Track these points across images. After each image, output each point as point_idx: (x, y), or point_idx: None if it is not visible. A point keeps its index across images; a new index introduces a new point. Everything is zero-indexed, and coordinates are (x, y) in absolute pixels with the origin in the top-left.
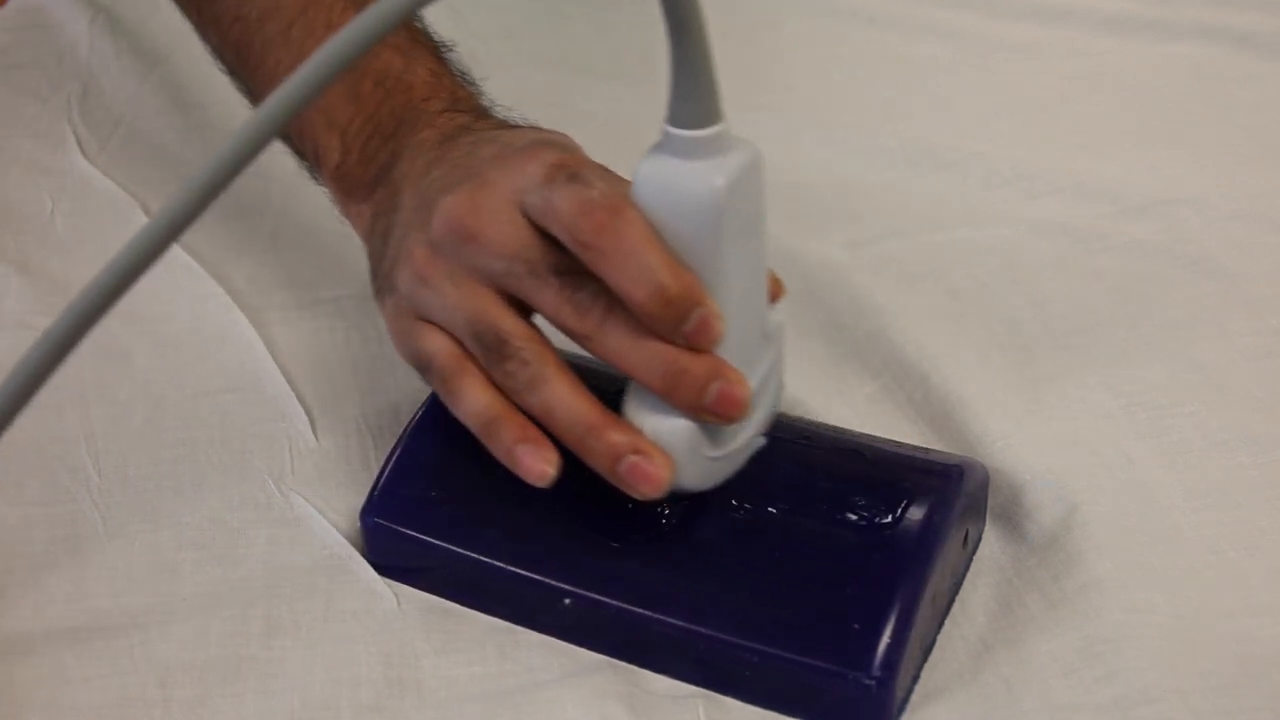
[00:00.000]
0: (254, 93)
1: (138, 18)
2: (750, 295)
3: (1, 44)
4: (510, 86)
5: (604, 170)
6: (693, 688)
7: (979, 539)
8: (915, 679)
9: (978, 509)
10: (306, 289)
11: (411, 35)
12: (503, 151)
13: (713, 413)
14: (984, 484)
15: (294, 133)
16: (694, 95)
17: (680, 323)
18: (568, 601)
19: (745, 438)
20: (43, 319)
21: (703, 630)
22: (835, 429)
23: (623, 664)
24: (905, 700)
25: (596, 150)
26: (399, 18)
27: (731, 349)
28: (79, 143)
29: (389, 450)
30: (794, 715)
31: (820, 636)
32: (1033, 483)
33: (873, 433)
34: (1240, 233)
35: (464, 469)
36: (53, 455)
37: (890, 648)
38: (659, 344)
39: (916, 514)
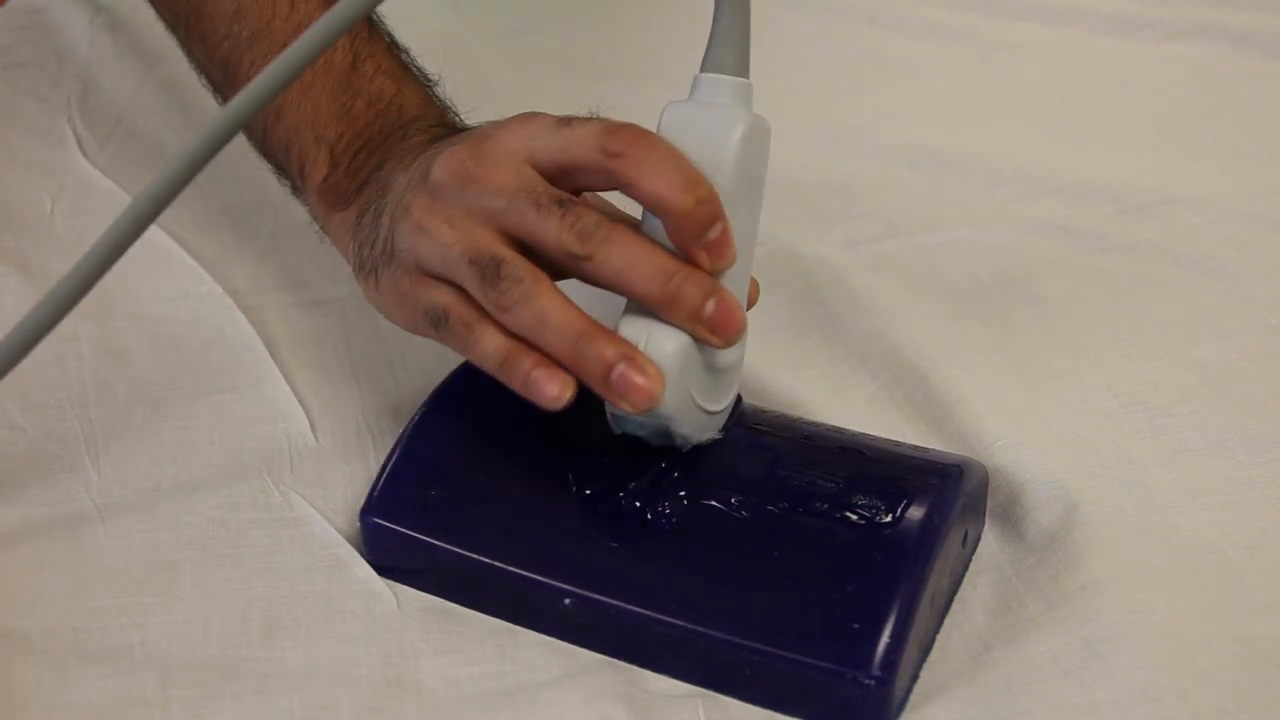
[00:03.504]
0: None
1: (138, 18)
2: (743, 269)
3: (1, 44)
4: (510, 86)
5: None
6: (693, 687)
7: (978, 538)
8: (914, 678)
9: (977, 508)
10: (306, 289)
11: (403, 66)
12: (499, 122)
13: (711, 327)
14: (983, 484)
15: (280, 150)
16: (732, 40)
17: (706, 228)
18: (568, 602)
19: (724, 402)
20: None
21: (703, 630)
22: (835, 429)
23: (623, 664)
24: (904, 699)
25: None
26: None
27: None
28: (79, 142)
29: (388, 450)
30: (793, 714)
31: (820, 636)
32: (1032, 482)
33: (873, 433)
34: (1240, 233)
35: (463, 469)
36: (52, 455)
37: (889, 647)
38: (662, 256)
39: (916, 513)
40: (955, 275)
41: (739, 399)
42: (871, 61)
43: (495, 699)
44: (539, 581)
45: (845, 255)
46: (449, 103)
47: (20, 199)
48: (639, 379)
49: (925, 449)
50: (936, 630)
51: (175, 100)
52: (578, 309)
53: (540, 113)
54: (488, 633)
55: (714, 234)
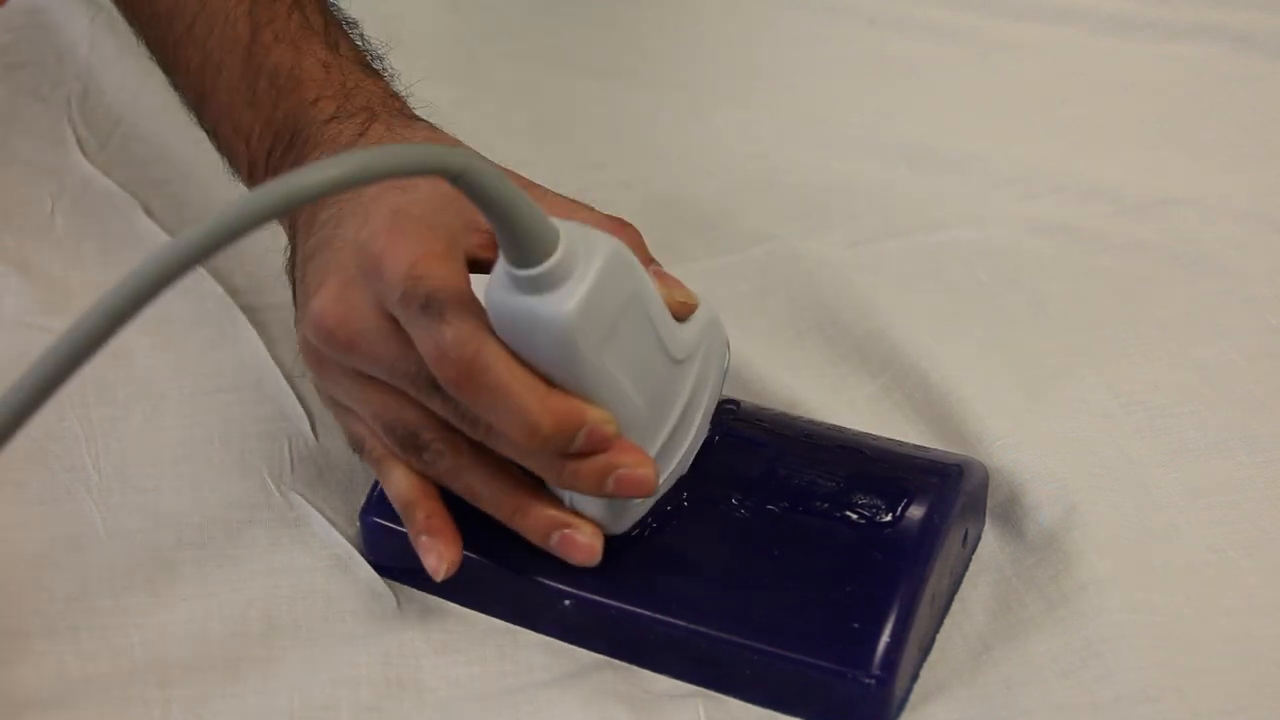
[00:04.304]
0: (179, 90)
1: None
2: (644, 360)
3: (1, 44)
4: (510, 86)
5: (460, 265)
6: (693, 687)
7: (978, 538)
8: (914, 678)
9: (977, 508)
10: None
11: (304, 22)
12: (361, 234)
13: (619, 495)
14: (983, 483)
15: (212, 135)
16: (517, 244)
17: (565, 449)
18: (567, 603)
19: (673, 466)
20: (43, 319)
21: (703, 630)
22: (835, 428)
23: (623, 664)
24: (904, 699)
25: (597, 150)
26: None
27: (632, 423)
28: (79, 142)
29: None
30: (794, 714)
31: (820, 635)
32: (1032, 482)
33: (873, 432)
34: (1240, 233)
35: None
36: (53, 455)
37: (890, 647)
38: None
39: (916, 513)
40: (955, 275)
41: (737, 403)
42: (871, 61)
43: (495, 699)
44: (539, 582)
45: (845, 255)
46: (358, 49)
47: (20, 199)
48: (580, 538)
49: (925, 449)
50: (936, 630)
51: (175, 100)
52: (506, 477)
53: (394, 249)
54: (488, 633)
55: (577, 445)
